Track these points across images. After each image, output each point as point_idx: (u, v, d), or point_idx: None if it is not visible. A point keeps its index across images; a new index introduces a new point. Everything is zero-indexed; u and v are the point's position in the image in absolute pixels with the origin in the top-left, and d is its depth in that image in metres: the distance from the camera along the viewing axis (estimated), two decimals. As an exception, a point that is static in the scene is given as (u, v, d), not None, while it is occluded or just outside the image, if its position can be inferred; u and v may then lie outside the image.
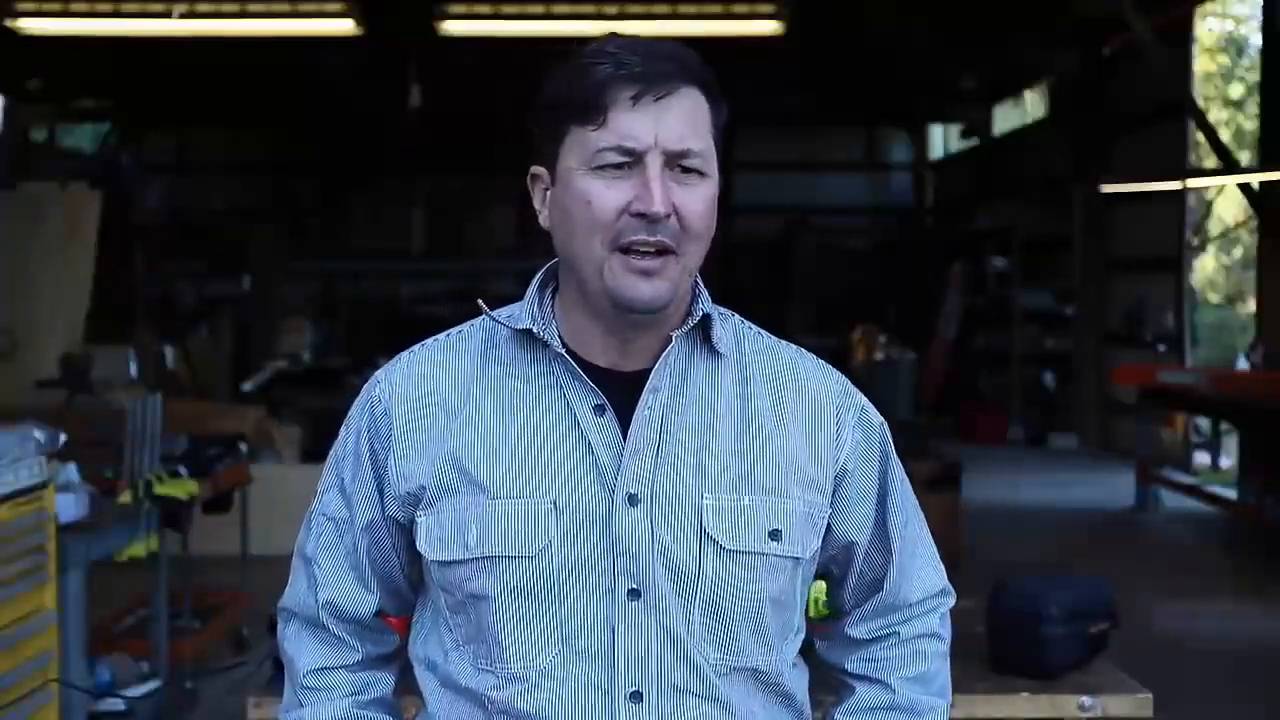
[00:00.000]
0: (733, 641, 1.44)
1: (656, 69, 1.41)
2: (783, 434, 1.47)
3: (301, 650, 1.57)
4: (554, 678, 1.40)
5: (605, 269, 1.39)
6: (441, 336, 1.54)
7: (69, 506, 3.96)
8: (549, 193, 1.45)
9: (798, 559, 1.47)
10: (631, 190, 1.38)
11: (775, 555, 1.44)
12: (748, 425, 1.46)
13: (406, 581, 1.55)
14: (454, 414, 1.46)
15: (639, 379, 1.43)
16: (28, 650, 3.57)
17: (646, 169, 1.38)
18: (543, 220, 1.47)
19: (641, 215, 1.37)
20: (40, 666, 3.62)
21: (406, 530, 1.50)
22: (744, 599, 1.43)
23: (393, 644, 1.59)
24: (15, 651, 3.50)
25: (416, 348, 1.55)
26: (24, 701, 3.50)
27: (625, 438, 1.41)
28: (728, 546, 1.41)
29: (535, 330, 1.44)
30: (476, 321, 1.53)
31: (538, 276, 1.51)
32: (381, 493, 1.50)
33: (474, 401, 1.45)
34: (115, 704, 4.28)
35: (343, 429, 1.56)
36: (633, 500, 1.40)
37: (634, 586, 1.39)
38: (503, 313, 1.50)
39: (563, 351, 1.43)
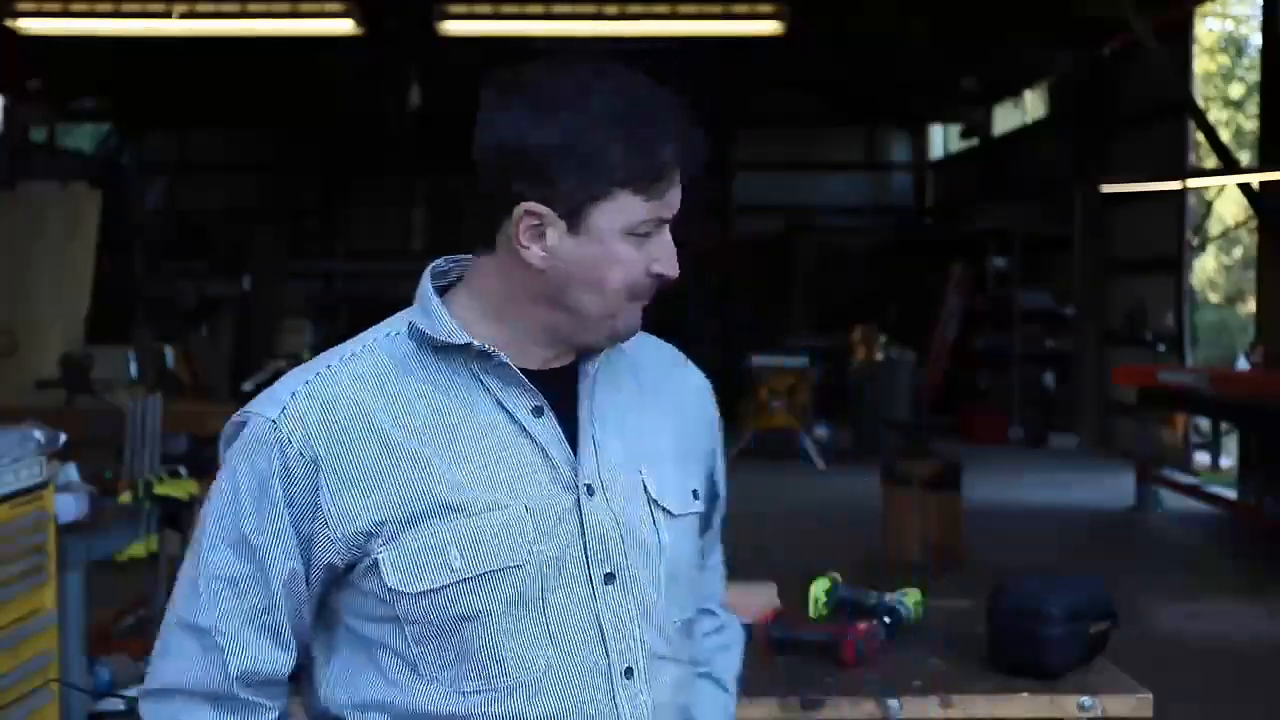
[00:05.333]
0: (681, 600, 1.53)
1: (701, 145, 1.44)
2: (678, 407, 1.59)
3: None
4: (555, 674, 1.42)
5: (618, 316, 1.45)
6: (337, 361, 1.45)
7: (69, 506, 3.96)
8: (555, 235, 1.39)
9: (703, 513, 1.60)
10: (650, 253, 1.44)
11: (695, 513, 1.56)
12: (652, 402, 1.55)
13: (308, 631, 1.46)
14: (390, 439, 1.40)
15: (563, 375, 1.49)
16: (28, 650, 3.57)
17: (665, 234, 1.45)
18: (531, 257, 1.40)
19: (660, 276, 1.45)
20: (40, 666, 3.62)
21: (333, 575, 1.41)
22: (686, 558, 1.54)
23: (284, 697, 1.49)
24: (15, 652, 3.50)
25: (308, 376, 1.44)
26: (24, 701, 3.50)
27: (565, 432, 1.46)
28: (675, 512, 1.52)
29: (476, 344, 1.43)
30: (370, 339, 1.47)
31: (430, 288, 1.48)
32: (307, 540, 1.40)
33: (411, 421, 1.41)
34: (115, 704, 4.27)
35: (223, 479, 1.43)
36: (591, 490, 1.45)
37: (609, 570, 1.45)
38: (399, 328, 1.47)
39: (507, 361, 1.43)
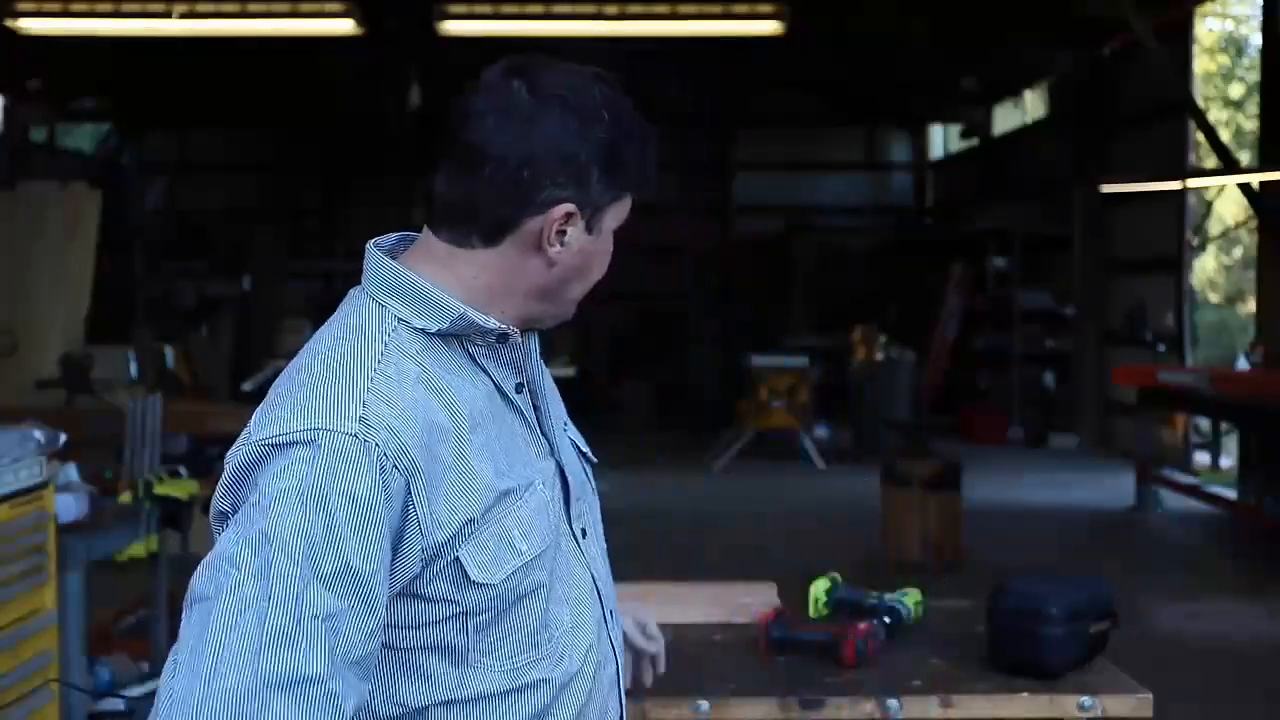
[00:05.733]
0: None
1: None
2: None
3: None
4: (575, 631, 1.51)
5: (573, 307, 1.56)
6: (373, 361, 1.39)
7: (69, 506, 3.96)
8: (575, 233, 1.46)
9: None
10: None
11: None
12: (544, 364, 1.62)
13: None
14: (451, 434, 1.39)
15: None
16: (28, 650, 3.57)
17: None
18: (555, 255, 1.45)
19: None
20: (40, 666, 3.62)
21: (401, 587, 1.38)
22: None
23: None
24: (15, 651, 3.50)
25: (353, 384, 1.36)
26: (24, 701, 3.50)
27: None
28: (594, 461, 1.68)
29: (509, 329, 1.48)
30: (380, 333, 1.42)
31: (417, 275, 1.45)
32: (397, 553, 1.35)
33: (456, 412, 1.41)
34: (115, 704, 4.27)
35: (307, 506, 1.29)
36: (559, 456, 1.55)
37: (584, 527, 1.57)
38: (413, 320, 1.44)
39: (520, 344, 1.50)
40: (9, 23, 11.26)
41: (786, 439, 12.18)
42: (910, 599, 2.72)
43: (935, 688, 2.38)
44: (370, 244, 1.50)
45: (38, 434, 3.65)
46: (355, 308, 1.46)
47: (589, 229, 1.47)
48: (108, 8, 11.21)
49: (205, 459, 5.57)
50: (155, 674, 4.70)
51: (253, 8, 11.24)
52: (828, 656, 2.49)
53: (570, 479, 1.55)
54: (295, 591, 1.27)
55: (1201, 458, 11.74)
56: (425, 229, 1.49)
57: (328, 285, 17.16)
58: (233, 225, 15.89)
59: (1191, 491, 9.78)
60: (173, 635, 4.28)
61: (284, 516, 1.29)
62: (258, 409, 1.40)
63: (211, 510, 1.40)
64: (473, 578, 1.39)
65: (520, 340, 1.49)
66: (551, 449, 1.54)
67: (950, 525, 7.63)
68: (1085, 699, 2.34)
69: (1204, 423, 11.67)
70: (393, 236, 1.54)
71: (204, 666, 1.25)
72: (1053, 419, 13.80)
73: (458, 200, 1.44)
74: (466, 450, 1.40)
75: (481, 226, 1.44)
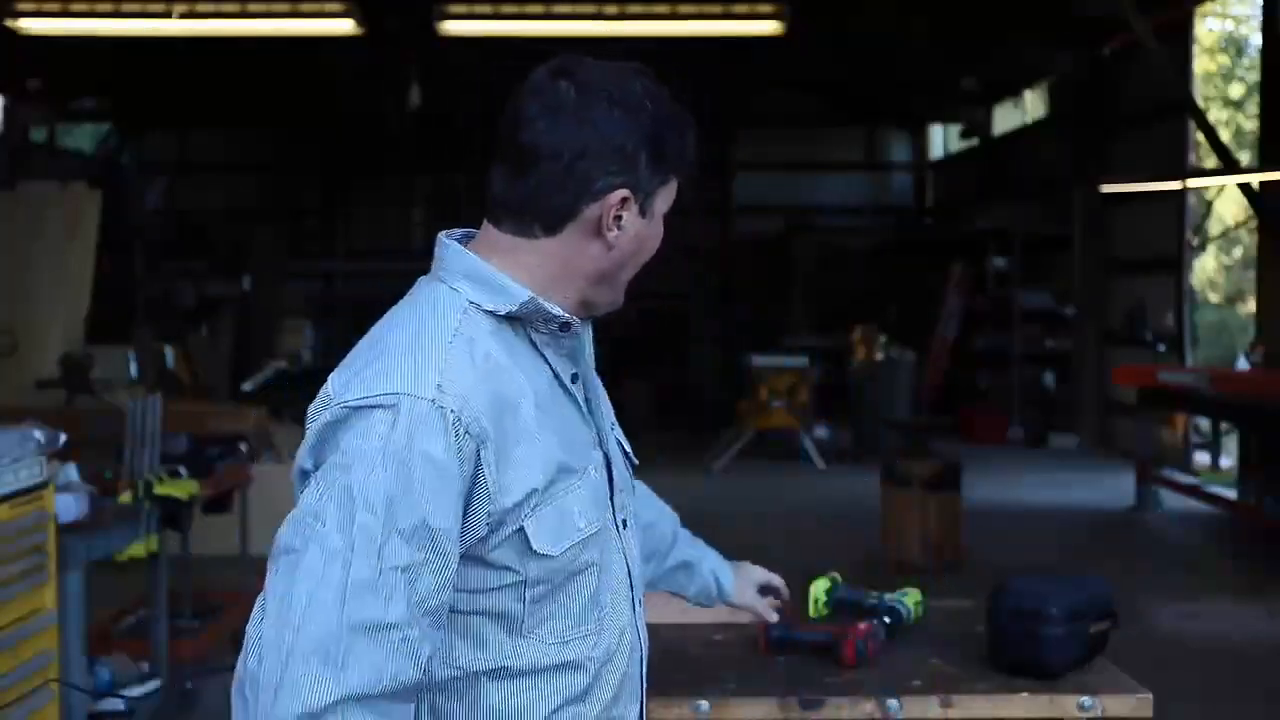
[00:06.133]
0: None
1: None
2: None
3: None
4: (614, 612, 1.60)
5: (624, 291, 1.64)
6: (448, 335, 1.48)
7: (69, 506, 3.96)
8: (630, 217, 1.56)
9: None
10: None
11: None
12: (591, 362, 1.71)
13: None
14: (519, 409, 1.48)
15: None
16: (28, 650, 3.57)
17: None
18: (613, 239, 1.55)
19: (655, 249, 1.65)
20: (40, 666, 3.62)
21: (467, 549, 1.47)
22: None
23: None
24: (15, 651, 3.50)
25: (430, 355, 1.46)
26: (24, 701, 3.50)
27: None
28: (635, 462, 1.75)
29: (570, 319, 1.56)
30: (454, 313, 1.50)
31: (485, 264, 1.54)
32: (466, 515, 1.44)
33: (524, 391, 1.50)
34: (115, 704, 4.27)
35: (387, 465, 1.39)
36: (605, 448, 1.64)
37: (624, 518, 1.65)
38: (460, 302, 1.52)
39: (580, 333, 1.59)
40: (9, 23, 11.25)
41: (786, 439, 12.18)
42: (910, 599, 2.72)
43: (935, 688, 2.38)
44: (441, 235, 1.60)
45: (38, 434, 3.65)
46: (429, 291, 1.55)
47: (642, 212, 1.56)
48: (108, 8, 11.20)
49: (205, 459, 5.56)
50: (155, 674, 4.71)
51: (253, 8, 11.24)
52: (828, 657, 2.49)
53: (615, 472, 1.64)
54: (377, 544, 1.37)
55: (1201, 458, 11.74)
56: (485, 224, 1.58)
57: (328, 285, 17.18)
58: (233, 225, 15.88)
59: (1191, 491, 9.78)
60: (172, 635, 4.27)
61: (366, 474, 1.39)
62: (334, 375, 1.49)
63: (294, 468, 1.50)
64: (535, 548, 1.48)
65: (580, 330, 1.59)
66: (600, 440, 1.63)
67: (950, 525, 7.63)
68: (1085, 699, 2.34)
69: (1204, 423, 11.67)
70: (458, 232, 1.63)
71: (292, 614, 1.36)
72: (1053, 419, 13.80)
73: (518, 196, 1.53)
74: (532, 425, 1.49)
75: (543, 217, 1.53)
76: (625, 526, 1.65)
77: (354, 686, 1.35)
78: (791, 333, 15.77)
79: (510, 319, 1.53)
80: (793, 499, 10.26)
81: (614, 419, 1.71)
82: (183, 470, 4.98)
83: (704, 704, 2.31)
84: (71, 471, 4.23)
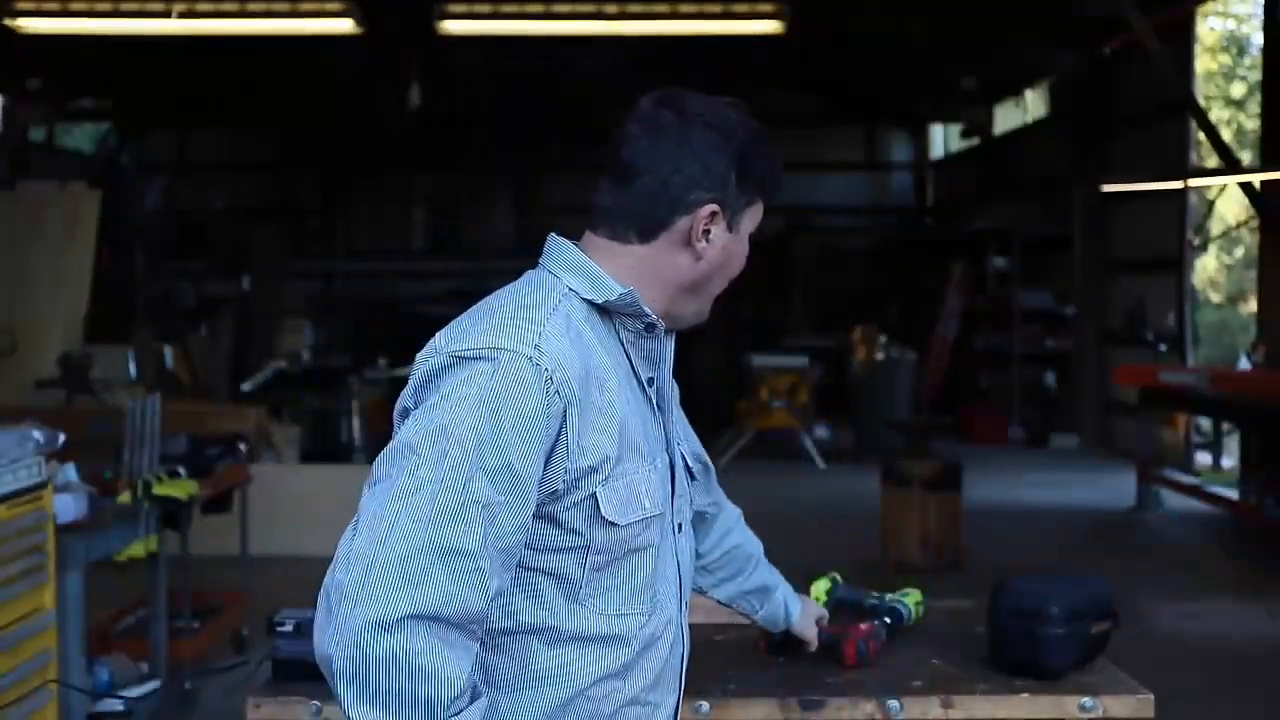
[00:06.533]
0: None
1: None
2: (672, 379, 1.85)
3: (458, 659, 1.46)
4: (663, 602, 1.72)
5: (709, 306, 1.79)
6: (549, 308, 1.61)
7: (68, 506, 3.96)
8: (719, 231, 1.70)
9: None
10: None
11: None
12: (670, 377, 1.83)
13: None
14: (603, 386, 1.61)
15: None
16: (27, 650, 3.57)
17: None
18: (702, 250, 1.69)
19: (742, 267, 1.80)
20: (39, 667, 3.62)
21: (544, 503, 1.58)
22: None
23: None
24: (15, 652, 3.50)
25: (533, 321, 1.59)
26: (23, 702, 3.50)
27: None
28: (695, 477, 1.89)
29: (656, 319, 1.68)
30: (554, 296, 1.64)
31: (585, 260, 1.69)
32: (547, 467, 1.56)
33: (610, 372, 1.63)
34: (114, 704, 4.27)
35: (474, 410, 1.51)
36: (671, 456, 1.76)
37: (680, 522, 1.77)
38: (561, 289, 1.66)
39: (662, 335, 1.71)
40: (8, 22, 11.25)
41: (787, 439, 12.18)
42: (911, 599, 2.71)
43: (936, 688, 2.38)
44: (552, 234, 1.75)
45: (37, 434, 3.65)
46: (535, 276, 1.70)
47: (730, 228, 1.71)
48: (107, 7, 11.19)
49: (205, 459, 5.56)
50: (154, 674, 4.70)
51: (252, 7, 11.22)
52: (829, 657, 2.48)
53: (676, 477, 1.76)
54: (464, 478, 1.49)
55: (1203, 458, 11.74)
56: (587, 231, 1.73)
57: (328, 285, 17.17)
58: (233, 225, 15.88)
59: (1192, 492, 9.78)
60: (171, 636, 4.27)
61: (462, 416, 1.51)
62: (442, 331, 1.62)
63: (397, 407, 1.62)
64: (604, 514, 1.59)
65: (663, 334, 1.71)
66: (668, 444, 1.75)
67: (950, 525, 7.63)
68: (1086, 700, 2.34)
69: (1205, 423, 11.67)
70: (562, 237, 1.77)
71: (380, 531, 1.47)
72: (1053, 419, 13.80)
73: (618, 205, 1.68)
74: (615, 400, 1.62)
75: (638, 225, 1.68)
76: (679, 531, 1.77)
77: (425, 605, 1.44)
78: (791, 333, 15.77)
79: (602, 310, 1.67)
80: (793, 499, 10.26)
81: (688, 434, 1.88)
82: (182, 470, 4.98)
83: (704, 704, 2.31)
84: (71, 471, 4.23)
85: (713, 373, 15.89)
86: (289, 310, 13.72)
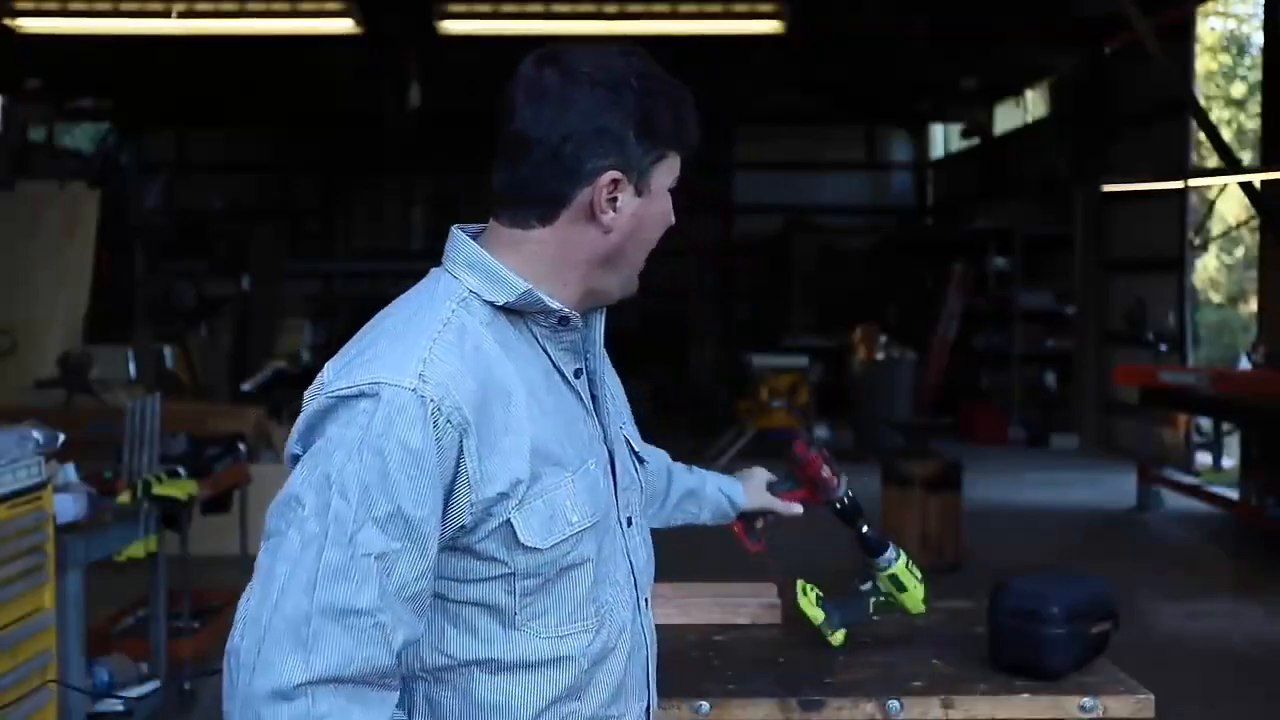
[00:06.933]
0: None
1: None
2: (606, 354, 1.71)
3: (369, 715, 1.41)
4: (613, 609, 1.59)
5: (640, 269, 1.62)
6: (437, 327, 1.49)
7: (68, 506, 3.96)
8: (626, 198, 1.54)
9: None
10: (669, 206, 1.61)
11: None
12: (605, 355, 1.69)
13: None
14: (508, 402, 1.48)
15: None
16: (27, 650, 3.56)
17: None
18: (609, 221, 1.54)
19: (670, 224, 1.63)
20: (39, 667, 3.61)
21: (451, 539, 1.47)
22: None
23: None
24: (14, 652, 3.49)
25: (417, 344, 1.46)
26: (23, 702, 3.50)
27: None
28: (643, 459, 1.75)
29: (568, 312, 1.55)
30: (450, 301, 1.52)
31: (489, 256, 1.55)
32: (447, 505, 1.45)
33: (515, 382, 1.50)
34: (114, 705, 4.27)
35: (357, 455, 1.41)
36: (611, 445, 1.63)
37: (629, 516, 1.65)
38: (461, 292, 1.53)
39: (578, 327, 1.58)
40: (8, 22, 11.25)
41: (787, 439, 12.16)
42: (910, 599, 2.65)
43: (936, 688, 2.37)
44: (455, 228, 1.61)
45: (37, 434, 3.64)
46: (434, 279, 1.58)
47: (638, 192, 1.55)
48: (107, 7, 11.19)
49: (205, 459, 5.56)
50: (154, 674, 4.70)
51: (252, 7, 11.23)
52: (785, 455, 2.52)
53: (619, 468, 1.63)
54: (350, 531, 1.39)
55: (1203, 458, 11.73)
56: (490, 219, 1.59)
57: (327, 285, 17.17)
58: (233, 225, 15.88)
59: (1193, 492, 9.78)
60: (171, 636, 4.27)
61: (345, 462, 1.41)
62: (331, 362, 1.52)
63: (286, 452, 1.52)
64: (522, 541, 1.48)
65: (580, 324, 1.58)
66: (605, 436, 1.62)
67: (950, 525, 7.63)
68: (1086, 700, 2.34)
69: (1205, 423, 11.66)
70: (473, 226, 1.63)
71: (272, 593, 1.39)
72: (1053, 419, 13.79)
73: (512, 186, 1.53)
74: (522, 416, 1.49)
75: (536, 206, 1.53)
76: (630, 525, 1.65)
77: (323, 669, 1.37)
78: (791, 333, 15.77)
79: (509, 310, 1.54)
80: (793, 499, 10.24)
81: (626, 422, 1.72)
82: (182, 470, 4.97)
83: (704, 704, 2.31)
84: (70, 471, 4.22)
85: (712, 373, 15.91)
86: (288, 310, 13.72)
